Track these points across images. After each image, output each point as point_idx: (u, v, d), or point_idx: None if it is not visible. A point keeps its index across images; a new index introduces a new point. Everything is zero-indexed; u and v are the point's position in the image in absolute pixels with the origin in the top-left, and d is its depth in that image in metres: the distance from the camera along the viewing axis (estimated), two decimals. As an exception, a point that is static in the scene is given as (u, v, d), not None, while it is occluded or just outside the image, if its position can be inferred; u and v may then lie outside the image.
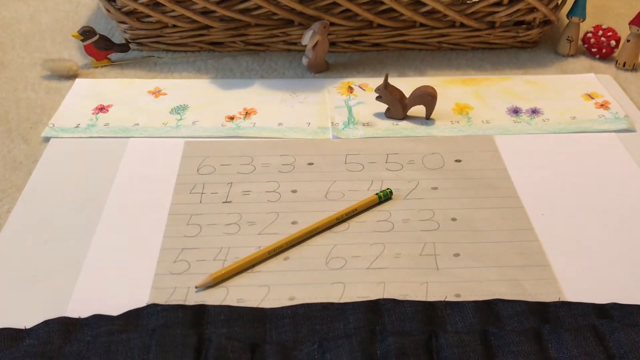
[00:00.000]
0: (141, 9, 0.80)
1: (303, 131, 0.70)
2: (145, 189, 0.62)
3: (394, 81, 0.74)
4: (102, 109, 0.74)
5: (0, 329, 0.48)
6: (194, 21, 0.82)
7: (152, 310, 0.48)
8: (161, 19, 0.81)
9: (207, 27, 0.83)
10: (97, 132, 0.69)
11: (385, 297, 0.51)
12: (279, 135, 0.70)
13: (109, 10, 0.82)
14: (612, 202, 0.61)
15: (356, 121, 0.72)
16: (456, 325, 0.48)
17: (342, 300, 0.51)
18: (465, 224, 0.58)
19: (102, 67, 0.82)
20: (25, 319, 0.49)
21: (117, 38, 0.87)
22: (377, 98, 0.72)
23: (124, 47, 0.83)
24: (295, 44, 0.85)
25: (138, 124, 0.71)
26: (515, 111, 0.74)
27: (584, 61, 0.85)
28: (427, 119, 0.72)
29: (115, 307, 0.49)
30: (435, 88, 0.71)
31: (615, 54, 0.84)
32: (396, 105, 0.71)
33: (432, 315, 0.49)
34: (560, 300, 0.51)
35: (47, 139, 0.69)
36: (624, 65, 0.83)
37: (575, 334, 0.46)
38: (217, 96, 0.76)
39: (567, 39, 0.85)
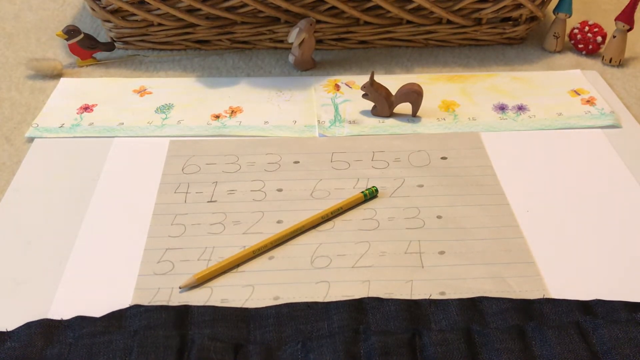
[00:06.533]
0: (126, 7, 0.79)
1: (289, 129, 0.70)
2: (129, 188, 0.62)
3: (381, 79, 0.74)
4: (86, 108, 0.73)
5: (-19, 331, 0.47)
6: (180, 19, 0.81)
7: (135, 311, 0.48)
8: (146, 18, 0.81)
9: (193, 25, 0.82)
10: (81, 132, 0.69)
11: (370, 295, 0.51)
12: (265, 133, 0.69)
13: (94, 9, 0.81)
14: (598, 199, 0.61)
15: (342, 119, 0.72)
16: (440, 323, 0.48)
17: (327, 299, 0.51)
18: (451, 222, 0.58)
19: (87, 66, 0.82)
20: (7, 321, 0.48)
21: (103, 37, 0.87)
22: (364, 96, 0.72)
23: (109, 46, 0.82)
24: (281, 41, 0.85)
25: (123, 123, 0.70)
26: (502, 108, 0.74)
27: (570, 57, 0.85)
28: (414, 116, 0.72)
29: (98, 308, 0.49)
30: (422, 85, 0.71)
31: (601, 50, 0.85)
32: (382, 103, 0.71)
33: (416, 313, 0.49)
34: (545, 297, 0.51)
35: (31, 139, 0.68)
36: (610, 61, 0.83)
37: (559, 331, 0.46)
38: (203, 95, 0.76)
39: (554, 35, 0.85)
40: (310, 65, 0.81)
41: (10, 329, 0.48)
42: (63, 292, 0.51)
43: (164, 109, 0.73)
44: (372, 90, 0.71)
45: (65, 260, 0.54)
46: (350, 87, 0.78)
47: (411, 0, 0.80)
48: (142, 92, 0.76)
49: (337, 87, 0.78)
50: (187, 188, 0.62)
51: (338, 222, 0.58)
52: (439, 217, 0.59)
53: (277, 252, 0.55)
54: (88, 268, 0.53)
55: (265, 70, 0.81)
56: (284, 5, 0.79)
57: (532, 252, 0.55)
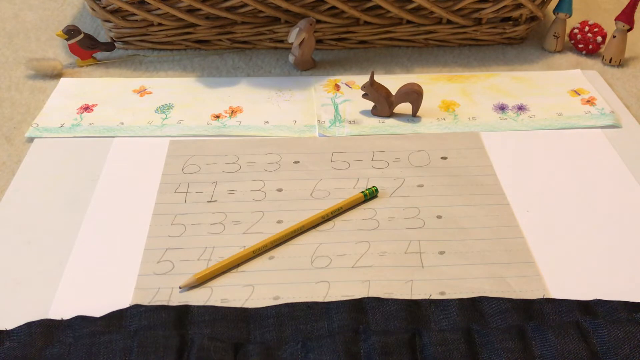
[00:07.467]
0: (126, 7, 0.79)
1: (289, 129, 0.70)
2: (129, 188, 0.62)
3: (380, 78, 0.74)
4: (86, 108, 0.73)
5: (-19, 331, 0.47)
6: (180, 19, 0.81)
7: (135, 311, 0.48)
8: (146, 18, 0.81)
9: (193, 25, 0.82)
10: (81, 132, 0.69)
11: (370, 295, 0.51)
12: (265, 133, 0.69)
13: (94, 9, 0.81)
14: (598, 199, 0.61)
15: (342, 119, 0.72)
16: (440, 323, 0.48)
17: (327, 299, 0.51)
18: (451, 222, 0.58)
19: (87, 66, 0.82)
20: (7, 321, 0.48)
21: (103, 37, 0.87)
22: (364, 96, 0.72)
23: (109, 46, 0.82)
24: (281, 41, 0.85)
25: (123, 123, 0.70)
26: (502, 108, 0.74)
27: (570, 57, 0.85)
28: (414, 116, 0.72)
29: (98, 308, 0.49)
30: (422, 85, 0.71)
31: (601, 50, 0.85)
32: (382, 103, 0.71)
33: (416, 313, 0.49)
34: (545, 297, 0.51)
35: (31, 139, 0.68)
36: (610, 61, 0.83)
37: (559, 331, 0.46)
38: (203, 95, 0.76)
39: (554, 35, 0.85)
40: (310, 65, 0.81)
41: (10, 328, 0.47)
42: (63, 292, 0.51)
43: (164, 109, 0.73)
44: (372, 90, 0.71)
45: (65, 260, 0.54)
46: (350, 87, 0.78)
47: (411, 0, 0.80)
48: (142, 92, 0.76)
49: (337, 87, 0.78)
50: (187, 188, 0.62)
51: (338, 222, 0.58)
52: (439, 217, 0.59)
53: (277, 252, 0.55)
54: (88, 268, 0.53)
55: (265, 70, 0.81)
56: (284, 5, 0.79)
57: (532, 252, 0.55)
